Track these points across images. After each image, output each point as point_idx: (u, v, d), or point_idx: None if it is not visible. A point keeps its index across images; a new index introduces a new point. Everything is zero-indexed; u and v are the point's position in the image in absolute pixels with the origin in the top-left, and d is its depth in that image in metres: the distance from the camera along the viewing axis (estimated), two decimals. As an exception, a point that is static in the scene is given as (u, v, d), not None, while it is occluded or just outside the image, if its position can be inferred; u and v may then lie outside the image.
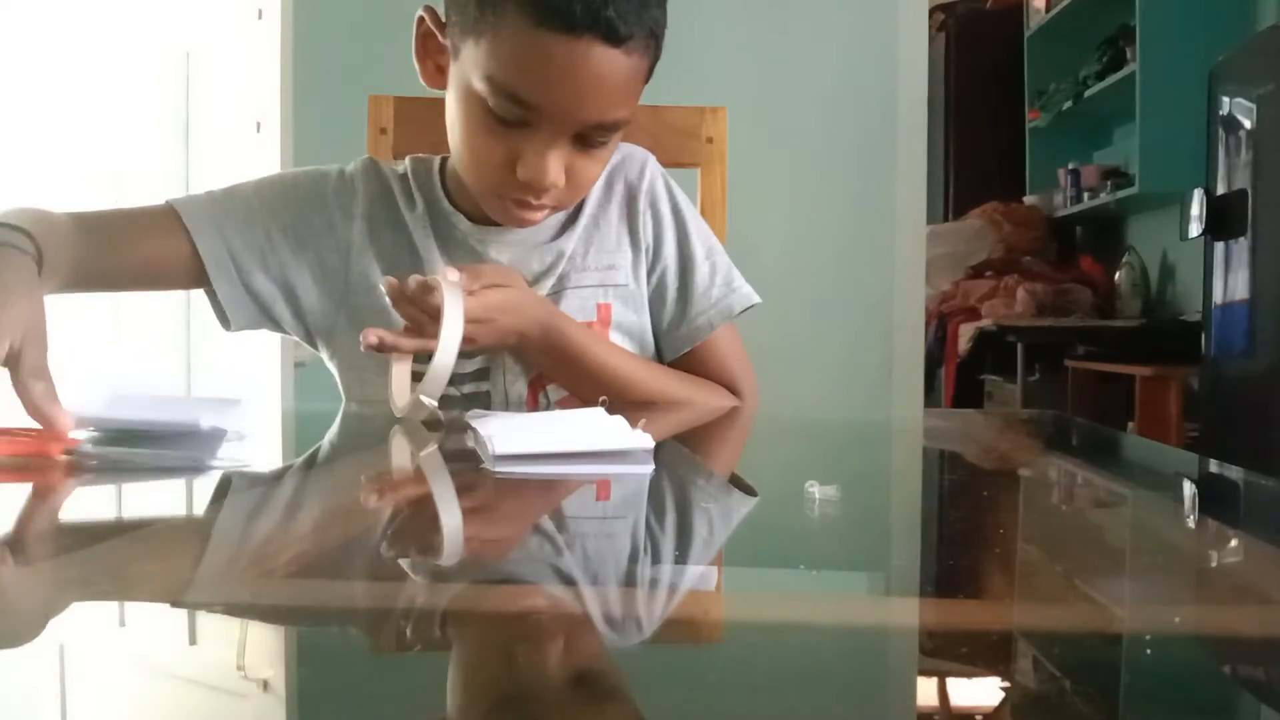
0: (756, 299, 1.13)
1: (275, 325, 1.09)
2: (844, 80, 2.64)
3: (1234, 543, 0.56)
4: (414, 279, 0.88)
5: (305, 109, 2.49)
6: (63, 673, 0.32)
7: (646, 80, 0.95)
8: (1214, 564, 0.51)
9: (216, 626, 0.38)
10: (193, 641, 0.36)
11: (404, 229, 1.07)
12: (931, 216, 3.36)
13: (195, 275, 1.03)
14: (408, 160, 1.11)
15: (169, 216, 1.02)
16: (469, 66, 0.92)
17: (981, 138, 4.62)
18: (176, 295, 2.46)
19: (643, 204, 1.11)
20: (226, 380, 2.35)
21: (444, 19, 0.97)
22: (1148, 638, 0.38)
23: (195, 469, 0.67)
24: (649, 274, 1.11)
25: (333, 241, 1.06)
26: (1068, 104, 4.02)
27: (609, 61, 0.89)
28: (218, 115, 2.80)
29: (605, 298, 1.09)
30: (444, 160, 1.10)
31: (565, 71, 0.88)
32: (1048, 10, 4.23)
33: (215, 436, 0.73)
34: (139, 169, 2.53)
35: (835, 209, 2.72)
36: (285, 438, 0.99)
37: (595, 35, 0.87)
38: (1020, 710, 0.31)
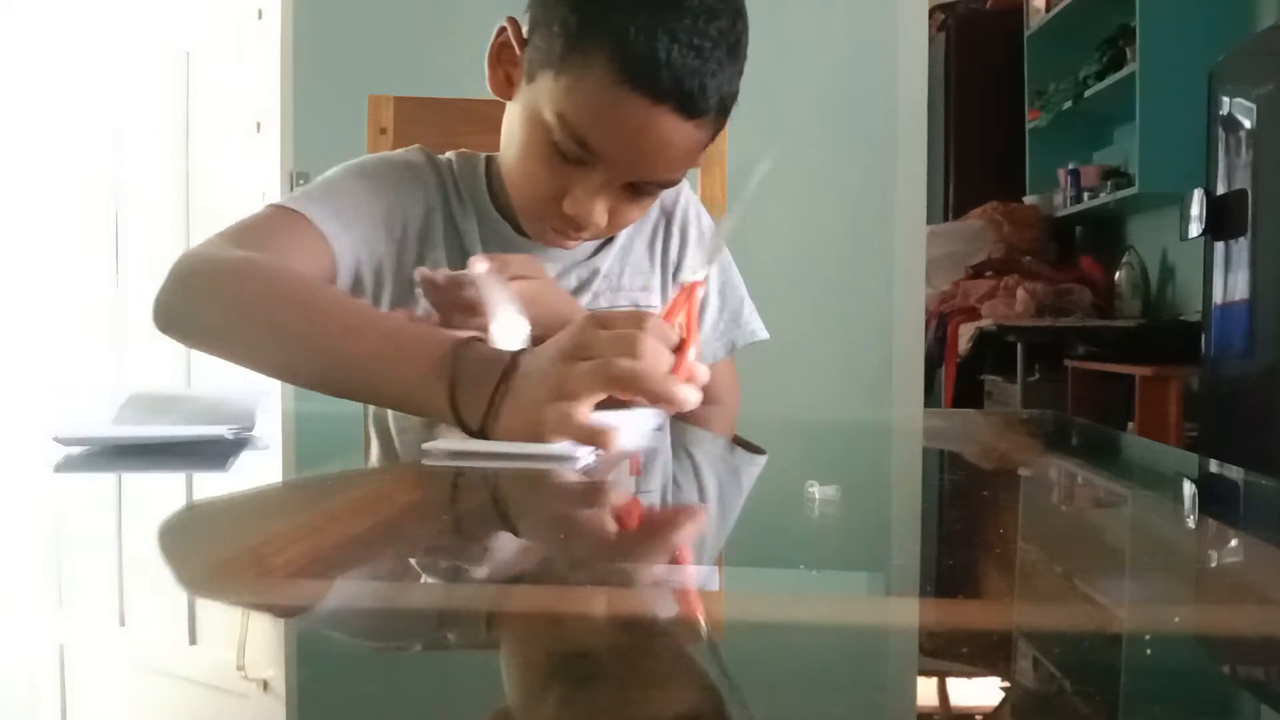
0: (762, 336, 1.17)
1: None
2: (844, 80, 2.64)
3: (1234, 543, 0.56)
4: (442, 273, 0.88)
5: (305, 109, 2.49)
6: (63, 673, 0.32)
7: (707, 146, 0.97)
8: (1214, 564, 0.51)
9: (216, 626, 0.38)
10: (193, 641, 0.36)
11: (454, 226, 1.07)
12: (931, 216, 3.36)
13: (329, 277, 0.99)
14: (453, 156, 1.10)
15: (302, 223, 0.97)
16: (543, 95, 0.93)
17: (981, 138, 4.61)
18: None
19: (675, 227, 1.14)
20: (226, 380, 2.35)
21: (525, 36, 0.97)
22: (1148, 638, 0.38)
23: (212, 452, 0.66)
24: (666, 292, 1.14)
25: (415, 231, 1.05)
26: (1067, 104, 4.02)
27: (679, 131, 0.90)
28: (218, 115, 2.80)
29: None
30: (488, 160, 1.09)
31: (636, 131, 0.90)
32: (1048, 10, 4.23)
33: (239, 442, 0.72)
34: (139, 168, 2.53)
35: (835, 209, 2.71)
36: (287, 440, 0.99)
37: (672, 105, 0.88)
38: (1020, 710, 0.31)
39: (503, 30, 0.99)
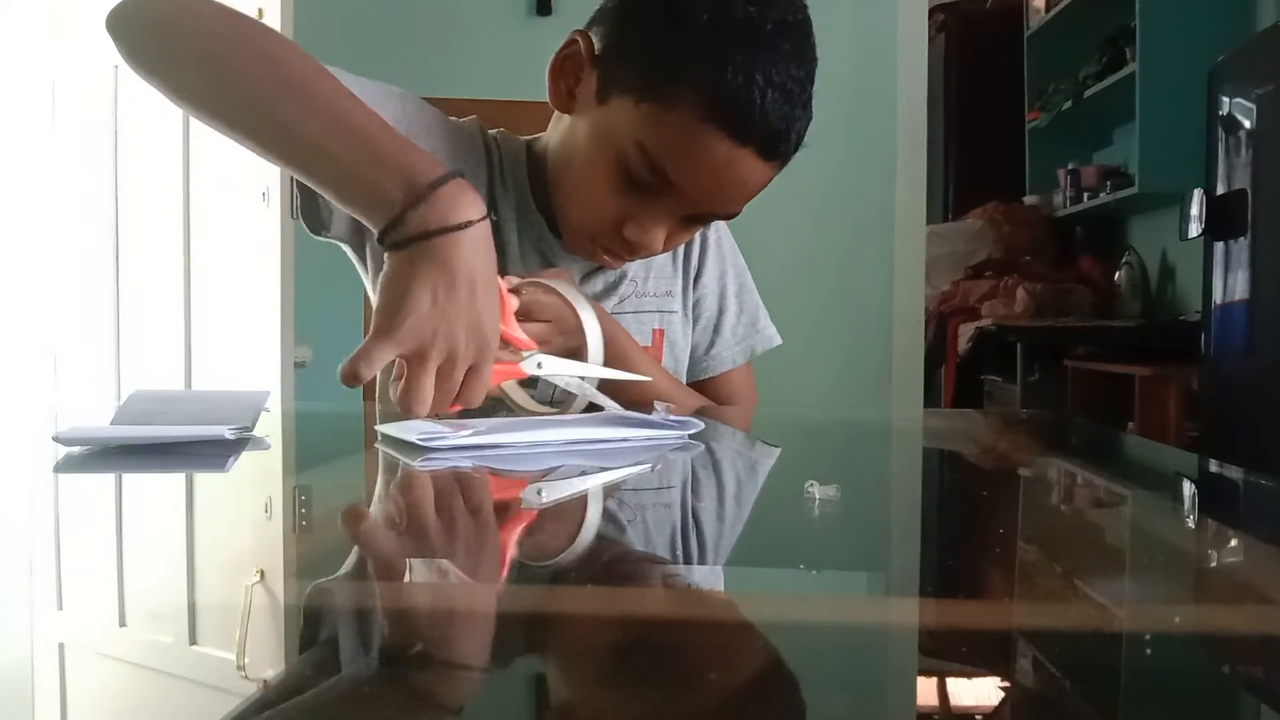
0: (778, 341, 1.19)
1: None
2: (844, 80, 2.64)
3: (1234, 543, 0.56)
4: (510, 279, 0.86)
5: (305, 109, 2.48)
6: (63, 673, 0.32)
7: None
8: (1214, 564, 0.51)
9: (216, 626, 0.38)
10: (193, 641, 0.36)
11: (494, 207, 1.04)
12: (931, 216, 3.36)
13: None
14: (497, 135, 1.07)
15: None
16: (620, 120, 0.91)
17: (981, 138, 4.62)
18: (176, 292, 2.46)
19: (696, 233, 1.12)
20: (226, 380, 2.36)
21: (597, 52, 0.94)
22: (1148, 638, 0.38)
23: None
24: (687, 298, 1.15)
25: None
26: (1067, 104, 4.01)
27: (756, 171, 0.91)
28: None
29: (660, 323, 1.12)
30: (529, 146, 1.07)
31: (716, 169, 0.90)
32: (1048, 10, 4.23)
33: (239, 442, 0.72)
34: (138, 167, 2.53)
35: (835, 209, 2.72)
36: (287, 439, 0.99)
37: (756, 148, 0.89)
38: (1020, 710, 0.31)
39: (572, 42, 0.96)
